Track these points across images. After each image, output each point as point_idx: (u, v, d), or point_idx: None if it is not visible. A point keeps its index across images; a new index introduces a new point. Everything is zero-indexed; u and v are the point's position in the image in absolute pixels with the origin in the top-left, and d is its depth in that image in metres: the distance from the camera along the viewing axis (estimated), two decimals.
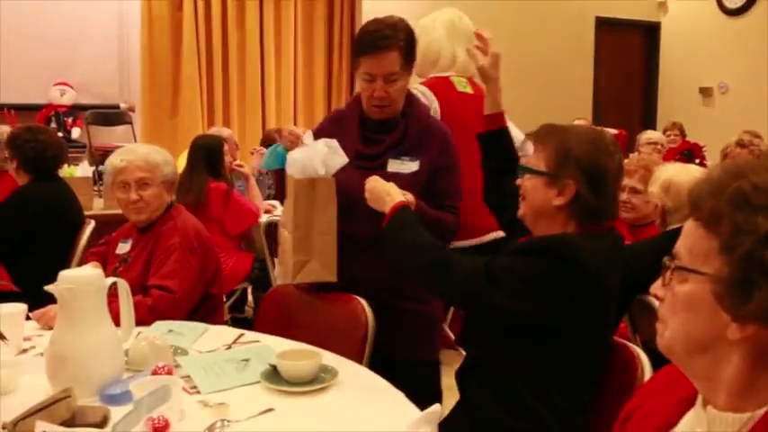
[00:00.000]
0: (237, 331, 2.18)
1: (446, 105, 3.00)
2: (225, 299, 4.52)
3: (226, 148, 4.63)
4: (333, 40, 8.36)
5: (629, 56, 9.64)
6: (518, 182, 1.81)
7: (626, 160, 4.10)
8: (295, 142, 2.24)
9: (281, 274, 2.13)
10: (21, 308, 1.98)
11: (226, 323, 3.66)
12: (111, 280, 1.72)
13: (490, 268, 1.66)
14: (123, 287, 1.79)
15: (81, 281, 1.61)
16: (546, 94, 8.72)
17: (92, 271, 1.66)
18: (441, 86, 3.07)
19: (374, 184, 1.98)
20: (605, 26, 9.26)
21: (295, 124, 8.38)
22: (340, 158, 2.10)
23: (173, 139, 7.52)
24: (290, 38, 8.14)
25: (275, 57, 8.13)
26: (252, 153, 5.51)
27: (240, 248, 4.67)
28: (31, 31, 7.47)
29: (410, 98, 2.29)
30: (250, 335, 2.15)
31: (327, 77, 8.44)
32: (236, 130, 7.99)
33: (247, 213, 4.46)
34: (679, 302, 1.00)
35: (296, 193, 2.10)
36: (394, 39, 2.12)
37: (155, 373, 1.57)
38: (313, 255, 2.13)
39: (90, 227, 3.64)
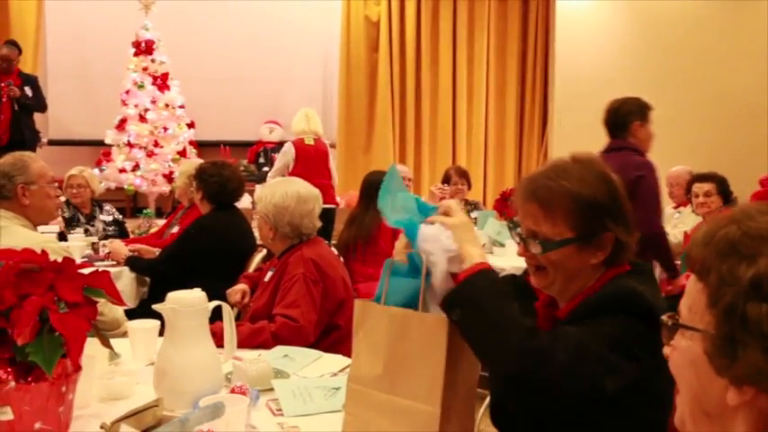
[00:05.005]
0: (348, 361, 2.25)
1: (299, 151, 6.01)
2: None
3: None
4: (526, 77, 8.35)
5: None
6: (524, 253, 1.53)
7: None
8: None
9: None
10: (154, 324, 2.20)
11: None
12: (214, 303, 1.86)
13: (581, 346, 1.33)
14: (227, 312, 1.93)
15: (184, 302, 1.77)
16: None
17: (195, 293, 1.82)
18: (297, 142, 6.05)
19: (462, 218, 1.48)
20: None
21: (485, 161, 8.45)
22: None
23: (365, 174, 7.87)
24: (482, 75, 8.24)
25: (467, 94, 8.28)
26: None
27: None
28: (246, 76, 8.23)
29: None
30: None
31: (519, 115, 8.42)
32: (426, 165, 8.20)
33: None
34: (680, 362, 0.93)
35: (449, 340, 1.41)
36: None
37: (232, 391, 1.68)
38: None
39: (260, 255, 3.93)
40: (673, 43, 7.92)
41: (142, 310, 3.17)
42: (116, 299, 1.70)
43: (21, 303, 1.51)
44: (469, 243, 1.44)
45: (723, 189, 4.71)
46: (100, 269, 1.72)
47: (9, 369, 1.51)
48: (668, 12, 7.93)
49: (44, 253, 1.67)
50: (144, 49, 7.25)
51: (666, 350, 0.97)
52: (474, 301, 1.38)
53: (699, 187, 4.75)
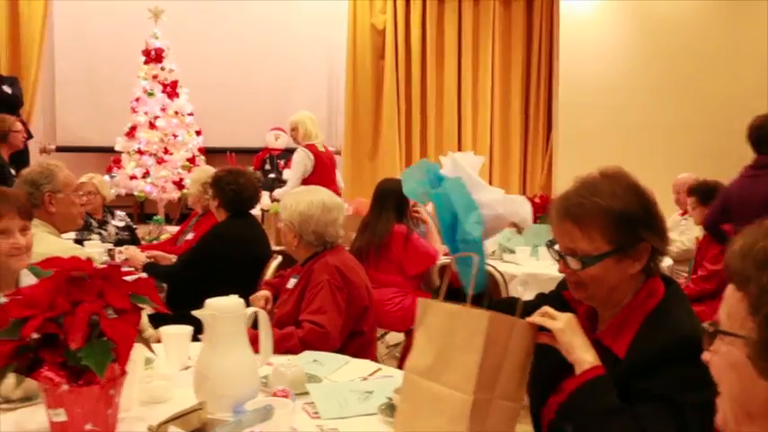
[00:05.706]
0: (376, 366, 2.30)
1: (315, 157, 5.90)
2: (404, 336, 4.72)
3: None
4: (530, 83, 8.42)
5: None
6: (564, 269, 1.58)
7: None
8: None
9: None
10: (187, 329, 2.25)
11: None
12: (251, 310, 1.92)
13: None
14: (263, 318, 1.98)
15: (222, 308, 1.82)
16: None
17: (233, 300, 1.87)
18: (312, 148, 5.97)
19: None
20: None
21: (491, 167, 8.52)
22: None
23: (372, 180, 7.94)
24: (486, 82, 8.31)
25: (472, 101, 8.34)
26: None
27: (419, 288, 4.82)
28: (252, 83, 8.29)
29: None
30: (387, 370, 2.26)
31: (524, 121, 8.49)
32: None
33: (425, 255, 4.60)
34: (722, 365, 0.99)
35: (489, 333, 1.46)
36: None
37: (274, 394, 1.73)
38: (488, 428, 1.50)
39: (276, 261, 3.98)
40: (676, 49, 7.98)
41: (158, 316, 3.22)
42: (159, 305, 1.76)
43: (73, 310, 1.56)
44: (580, 348, 1.45)
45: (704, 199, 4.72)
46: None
47: (62, 373, 1.56)
48: (671, 18, 7.99)
49: (89, 261, 1.73)
50: (154, 57, 7.31)
51: (706, 355, 1.03)
52: (586, 421, 1.43)
53: (688, 200, 4.91)
